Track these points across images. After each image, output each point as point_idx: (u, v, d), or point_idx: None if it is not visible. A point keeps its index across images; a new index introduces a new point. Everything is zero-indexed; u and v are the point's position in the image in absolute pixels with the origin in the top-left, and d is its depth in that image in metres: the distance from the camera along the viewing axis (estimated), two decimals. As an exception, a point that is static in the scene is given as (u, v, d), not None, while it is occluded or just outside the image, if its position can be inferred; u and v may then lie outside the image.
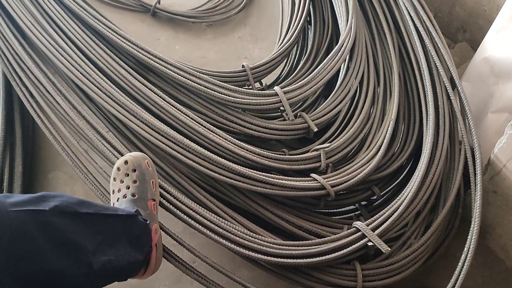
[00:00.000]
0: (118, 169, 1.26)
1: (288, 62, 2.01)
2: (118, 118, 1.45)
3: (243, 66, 1.73)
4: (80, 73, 1.51)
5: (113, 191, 1.27)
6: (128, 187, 1.24)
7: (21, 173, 1.73)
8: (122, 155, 1.38)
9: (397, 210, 1.33)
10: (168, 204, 1.30)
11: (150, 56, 1.59)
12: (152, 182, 1.27)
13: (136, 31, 2.20)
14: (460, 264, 1.28)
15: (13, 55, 1.62)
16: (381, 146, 1.49)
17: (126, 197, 1.24)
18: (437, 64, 1.60)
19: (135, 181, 1.24)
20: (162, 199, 1.31)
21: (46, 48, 1.57)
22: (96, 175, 1.46)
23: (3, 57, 1.64)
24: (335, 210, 1.54)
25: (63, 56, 1.55)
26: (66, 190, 1.81)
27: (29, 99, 1.56)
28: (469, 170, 1.46)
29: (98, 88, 1.49)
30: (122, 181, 1.25)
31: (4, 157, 1.71)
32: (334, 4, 1.85)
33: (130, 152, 1.41)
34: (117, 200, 1.25)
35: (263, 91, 1.56)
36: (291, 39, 1.83)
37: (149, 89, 1.50)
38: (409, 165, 1.62)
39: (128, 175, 1.25)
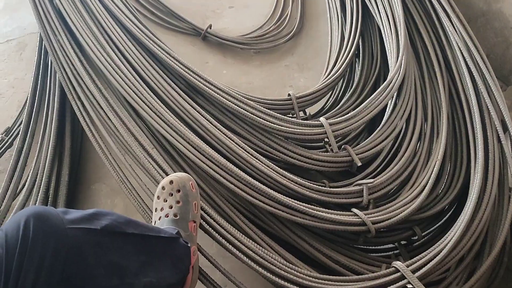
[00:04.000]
0: (163, 188, 1.29)
1: (333, 94, 2.02)
2: (165, 137, 1.49)
3: (289, 94, 1.75)
4: (132, 91, 1.57)
5: (156, 209, 1.29)
6: (171, 207, 1.26)
7: (67, 182, 1.79)
8: (166, 173, 1.41)
9: (440, 253, 1.29)
10: (208, 226, 1.31)
11: (199, 79, 1.63)
12: (195, 204, 1.29)
13: (186, 53, 2.27)
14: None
15: (72, 69, 1.70)
16: (425, 186, 1.46)
17: (168, 216, 1.25)
18: (488, 105, 1.57)
19: (178, 202, 1.26)
20: (202, 221, 1.33)
21: (103, 64, 1.64)
22: (139, 191, 1.49)
23: (62, 70, 1.72)
24: (373, 247, 1.51)
25: (117, 74, 1.61)
26: (107, 202, 1.85)
27: (82, 112, 1.63)
28: (516, 218, 1.41)
29: (148, 106, 1.54)
30: (165, 200, 1.27)
31: (52, 166, 1.78)
32: (384, 39, 1.85)
33: (174, 171, 1.44)
34: (159, 219, 1.27)
35: (308, 121, 1.56)
36: (339, 71, 1.84)
37: (197, 111, 1.54)
38: (453, 208, 1.57)
39: (172, 194, 1.27)
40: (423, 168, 1.55)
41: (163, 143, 1.53)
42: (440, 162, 1.52)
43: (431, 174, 1.48)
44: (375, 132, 1.61)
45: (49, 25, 1.81)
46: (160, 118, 1.50)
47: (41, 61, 2.05)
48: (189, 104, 1.56)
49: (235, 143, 1.47)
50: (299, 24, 2.42)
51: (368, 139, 1.60)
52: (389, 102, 1.69)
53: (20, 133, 1.89)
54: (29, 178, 1.76)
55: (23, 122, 1.92)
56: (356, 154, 1.52)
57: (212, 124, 1.51)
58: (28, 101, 1.98)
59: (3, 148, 1.99)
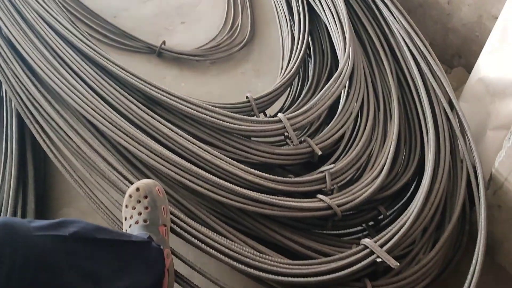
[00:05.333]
0: (130, 196, 1.30)
1: (291, 92, 2.08)
2: (128, 149, 1.50)
3: (247, 97, 1.79)
4: (91, 108, 1.57)
5: (125, 218, 1.30)
6: (140, 213, 1.27)
7: (34, 210, 1.77)
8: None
9: (403, 226, 1.35)
10: (179, 229, 1.33)
11: (157, 90, 1.66)
12: (163, 208, 1.30)
13: (143, 71, 2.26)
14: (467, 281, 1.28)
15: (27, 95, 1.69)
16: (384, 165, 1.52)
17: (138, 223, 1.26)
18: (434, 86, 1.67)
19: (146, 207, 1.28)
20: (172, 224, 1.34)
21: (58, 86, 1.64)
22: (109, 206, 1.49)
23: (17, 97, 1.71)
24: (343, 231, 1.56)
25: (74, 94, 1.61)
26: (78, 225, 1.84)
27: (42, 135, 1.62)
28: (472, 187, 1.49)
29: (108, 121, 1.54)
30: (134, 208, 1.29)
31: (17, 195, 1.75)
32: (331, 35, 1.94)
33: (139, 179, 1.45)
34: (129, 227, 1.28)
35: (267, 118, 1.61)
36: (293, 69, 1.91)
37: (156, 120, 1.56)
38: (413, 185, 1.64)
39: (139, 201, 1.29)
40: (380, 149, 1.61)
41: (126, 155, 1.53)
42: (395, 142, 1.59)
43: (388, 154, 1.55)
44: (331, 122, 1.67)
45: (-1, 54, 1.81)
46: (121, 131, 1.51)
47: (-5, 93, 2.03)
48: (148, 115, 1.58)
49: (198, 146, 1.50)
50: (251, 32, 2.49)
51: (326, 128, 1.66)
52: (342, 92, 1.76)
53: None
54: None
55: (-18, 156, 1.89)
56: (316, 144, 1.57)
57: (173, 131, 1.53)
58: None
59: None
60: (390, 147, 1.57)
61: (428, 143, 1.58)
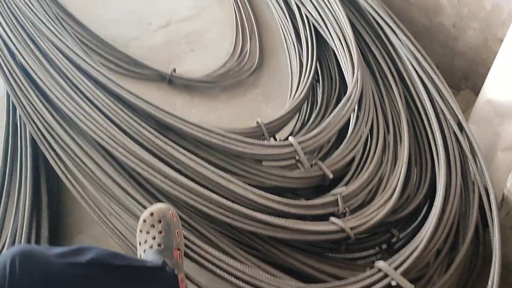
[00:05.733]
0: (144, 220, 1.31)
1: (300, 117, 2.10)
2: (142, 174, 1.52)
3: (257, 122, 1.82)
4: (105, 134, 1.61)
5: (140, 242, 1.31)
6: (154, 238, 1.29)
7: (47, 238, 1.78)
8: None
9: (417, 248, 1.35)
10: (193, 253, 1.33)
11: (169, 116, 1.69)
12: (177, 232, 1.32)
13: (154, 98, 2.29)
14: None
15: (42, 122, 1.73)
16: (395, 188, 1.53)
17: (152, 247, 1.28)
18: (443, 109, 1.69)
19: (160, 232, 1.29)
20: (186, 249, 1.35)
21: (73, 113, 1.68)
22: (123, 231, 1.50)
23: (32, 124, 1.75)
24: (357, 255, 1.55)
25: (89, 121, 1.65)
26: (91, 252, 1.84)
27: (58, 162, 1.65)
28: (484, 209, 1.49)
29: (122, 147, 1.57)
30: (148, 232, 1.30)
31: (31, 223, 1.77)
32: (339, 60, 1.97)
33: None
34: (144, 251, 1.29)
35: (278, 142, 1.63)
36: (302, 95, 1.94)
37: (170, 146, 1.59)
38: (425, 207, 1.65)
39: (153, 226, 1.30)
40: (391, 172, 1.63)
41: (140, 181, 1.56)
42: (406, 164, 1.60)
43: (399, 176, 1.56)
44: (342, 145, 1.69)
45: (15, 83, 1.85)
46: (135, 157, 1.54)
47: (10, 121, 2.07)
48: (161, 140, 1.61)
49: (210, 171, 1.52)
50: (260, 58, 2.53)
51: (336, 151, 1.67)
52: (352, 115, 1.78)
53: (-6, 193, 1.89)
54: (7, 239, 1.75)
55: (-4, 182, 1.92)
56: (328, 167, 1.59)
57: (185, 156, 1.55)
58: (0, 163, 1.99)
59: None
60: (401, 170, 1.59)
61: (438, 165, 1.59)
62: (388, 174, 1.62)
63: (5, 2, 2.20)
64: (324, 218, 1.49)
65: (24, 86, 1.85)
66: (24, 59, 1.90)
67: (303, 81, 2.05)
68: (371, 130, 1.74)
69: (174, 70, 2.43)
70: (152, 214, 1.31)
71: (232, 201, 1.45)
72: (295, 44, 2.28)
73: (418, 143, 1.75)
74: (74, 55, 1.89)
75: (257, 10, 2.79)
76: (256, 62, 2.50)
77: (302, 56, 2.19)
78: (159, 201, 1.53)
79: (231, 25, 2.70)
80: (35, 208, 1.83)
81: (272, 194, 1.65)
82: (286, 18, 2.37)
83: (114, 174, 1.55)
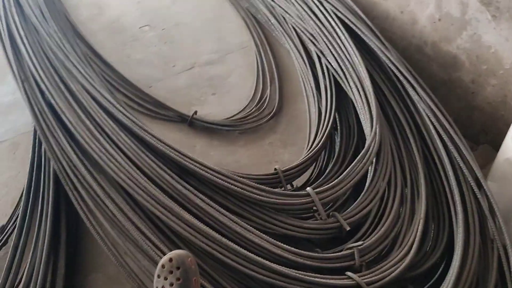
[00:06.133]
0: (163, 266, 1.32)
1: (317, 165, 2.12)
2: (161, 219, 1.55)
3: (275, 169, 1.85)
4: (127, 177, 1.65)
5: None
6: (171, 284, 1.29)
7: (63, 275, 1.80)
8: (164, 254, 1.45)
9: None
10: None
11: (190, 161, 1.72)
12: (194, 280, 1.32)
13: (175, 139, 2.39)
14: None
15: (67, 161, 1.78)
16: (413, 244, 1.53)
17: None
18: (460, 165, 1.69)
19: (178, 279, 1.30)
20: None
21: (97, 155, 1.73)
22: (139, 274, 1.51)
23: (58, 163, 1.80)
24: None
25: (112, 163, 1.70)
26: (105, 291, 1.86)
27: (79, 201, 1.69)
28: (503, 268, 1.47)
29: (142, 191, 1.61)
30: (166, 278, 1.31)
31: (48, 260, 1.79)
32: (358, 112, 2.01)
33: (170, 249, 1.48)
34: None
35: (296, 192, 1.65)
36: (319, 144, 1.96)
37: (189, 191, 1.61)
38: (443, 264, 1.63)
39: (172, 272, 1.31)
40: (408, 227, 1.62)
41: (159, 225, 1.58)
42: (424, 220, 1.60)
43: (417, 232, 1.56)
44: (359, 197, 1.70)
45: (43, 119, 1.92)
46: (155, 201, 1.57)
47: (35, 157, 2.13)
48: (181, 185, 1.64)
49: (229, 218, 1.53)
50: (279, 104, 2.58)
51: (354, 204, 1.68)
52: (370, 168, 1.80)
53: (15, 229, 1.93)
54: (25, 274, 1.77)
55: (18, 218, 1.96)
56: (345, 219, 1.59)
57: (205, 202, 1.58)
58: (23, 197, 2.03)
59: (-1, 246, 2.00)
60: (418, 225, 1.59)
61: (456, 222, 1.58)
62: (405, 229, 1.62)
63: (39, 42, 2.31)
64: (339, 271, 1.48)
65: (52, 124, 1.92)
66: (53, 98, 1.98)
67: (321, 130, 2.09)
68: (388, 183, 1.75)
69: (195, 112, 2.49)
70: (171, 260, 1.32)
71: (248, 250, 1.46)
72: (314, 93, 2.33)
73: (436, 198, 1.75)
74: (100, 97, 1.97)
75: (278, 56, 2.86)
76: (275, 107, 2.55)
77: (321, 105, 2.23)
78: (176, 245, 1.55)
79: (252, 70, 2.78)
80: (53, 245, 1.86)
81: (286, 241, 1.67)
82: (306, 67, 2.43)
83: (133, 216, 1.58)
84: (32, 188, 2.04)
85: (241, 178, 1.68)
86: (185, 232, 1.50)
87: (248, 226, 1.53)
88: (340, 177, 1.70)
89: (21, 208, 2.00)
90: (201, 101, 2.68)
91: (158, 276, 1.33)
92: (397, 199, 1.68)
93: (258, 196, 1.61)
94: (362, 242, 1.53)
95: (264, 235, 1.52)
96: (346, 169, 1.77)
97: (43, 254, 1.79)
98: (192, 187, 1.66)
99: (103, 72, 2.65)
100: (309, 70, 2.42)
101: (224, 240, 1.46)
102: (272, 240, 1.50)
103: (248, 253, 1.43)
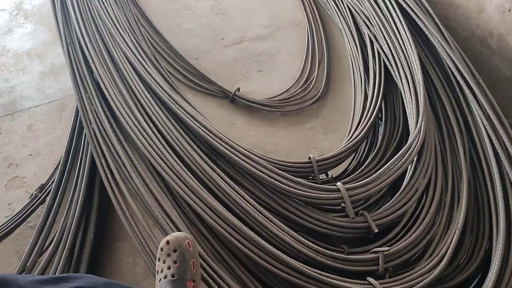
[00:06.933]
0: (161, 249, 1.30)
1: (357, 156, 2.02)
2: (185, 199, 1.53)
3: (309, 157, 1.77)
4: (157, 153, 1.64)
5: (157, 271, 1.30)
6: (169, 268, 1.26)
7: (92, 240, 1.84)
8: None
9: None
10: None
11: (221, 142, 1.68)
12: (193, 262, 1.28)
13: (215, 115, 2.35)
14: None
15: (100, 128, 1.80)
16: (445, 255, 1.42)
17: (166, 277, 1.25)
18: (510, 175, 1.54)
19: (175, 262, 1.26)
20: (212, 281, 1.33)
21: (130, 127, 1.73)
22: (155, 250, 1.50)
23: (90, 129, 1.81)
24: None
25: (143, 137, 1.69)
26: (129, 261, 1.88)
27: (105, 169, 1.70)
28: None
29: (170, 168, 1.60)
30: (164, 262, 1.28)
31: (79, 224, 1.84)
32: (405, 104, 1.87)
33: (192, 233, 1.46)
34: (159, 281, 1.27)
35: (325, 186, 1.57)
36: (361, 134, 1.86)
37: (216, 173, 1.58)
38: (475, 281, 1.51)
39: (169, 255, 1.28)
40: (442, 236, 1.51)
41: (182, 205, 1.57)
42: (460, 230, 1.48)
43: (451, 243, 1.44)
44: (393, 198, 1.59)
45: (82, 85, 1.94)
46: (181, 181, 1.55)
47: (77, 121, 2.17)
48: (209, 166, 1.60)
49: (251, 205, 1.49)
50: (325, 87, 2.47)
51: (386, 204, 1.58)
52: (409, 167, 1.68)
53: (51, 190, 1.99)
54: (56, 235, 1.83)
55: (55, 180, 2.02)
56: (374, 220, 1.51)
57: (230, 186, 1.54)
58: (61, 160, 2.09)
59: (36, 204, 2.08)
60: (454, 235, 1.47)
61: (497, 237, 1.45)
62: (438, 237, 1.51)
63: (88, 7, 2.32)
64: (361, 275, 1.41)
65: (90, 89, 1.94)
66: (94, 64, 1.99)
67: (365, 118, 1.97)
68: (427, 186, 1.63)
69: (238, 89, 2.44)
70: (168, 242, 1.30)
71: (268, 241, 1.41)
72: (363, 78, 2.20)
73: (478, 208, 1.61)
74: (140, 67, 1.95)
75: (330, 36, 2.74)
76: (320, 91, 2.45)
77: (368, 91, 2.11)
78: (195, 226, 1.53)
79: (302, 49, 2.68)
80: (85, 209, 1.90)
81: (314, 232, 1.60)
82: (357, 50, 2.30)
83: (157, 192, 1.57)
84: (71, 152, 2.09)
85: (271, 166, 1.61)
86: (206, 215, 1.47)
87: (271, 216, 1.48)
88: (375, 174, 1.60)
89: (58, 170, 2.05)
90: (245, 77, 2.61)
91: (158, 259, 1.30)
92: (434, 204, 1.56)
93: (285, 186, 1.55)
94: (389, 247, 1.43)
95: (286, 227, 1.46)
96: (385, 164, 1.66)
97: (74, 218, 1.83)
98: (220, 169, 1.63)
99: (152, 39, 2.65)
100: (360, 54, 2.29)
101: (244, 228, 1.42)
102: (294, 234, 1.44)
103: (266, 244, 1.39)
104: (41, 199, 2.08)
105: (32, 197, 2.10)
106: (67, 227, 1.83)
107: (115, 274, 1.88)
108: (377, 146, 1.94)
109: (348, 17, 2.45)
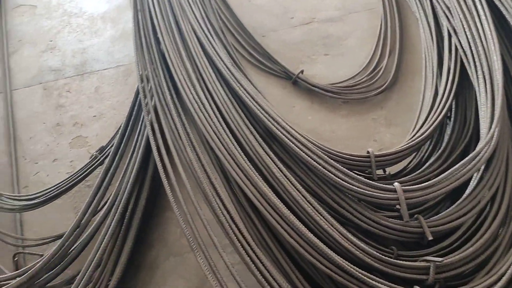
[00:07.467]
0: None
1: (419, 154, 1.92)
2: (235, 179, 1.52)
3: (368, 151, 1.70)
4: (213, 130, 1.63)
5: None
6: None
7: (143, 206, 1.89)
8: (230, 214, 1.43)
9: None
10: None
11: (278, 126, 1.64)
12: None
13: (275, 96, 2.32)
14: None
15: (160, 98, 1.81)
16: (504, 274, 1.32)
17: None
18: None
19: None
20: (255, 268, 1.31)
21: (190, 101, 1.73)
22: (199, 228, 1.51)
23: (148, 97, 1.82)
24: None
25: (202, 112, 1.69)
26: (177, 231, 1.92)
27: (158, 139, 1.71)
28: None
29: (224, 147, 1.58)
30: None
31: (133, 189, 1.89)
32: (479, 107, 1.74)
33: (238, 213, 1.45)
34: None
35: (381, 184, 1.50)
36: (426, 133, 1.76)
37: (270, 158, 1.55)
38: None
39: None
40: (504, 253, 1.40)
41: (233, 185, 1.56)
42: (525, 250, 1.37)
43: (512, 262, 1.34)
44: (454, 206, 1.50)
45: (148, 54, 1.96)
46: (234, 161, 1.54)
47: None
48: (264, 150, 1.58)
49: (302, 195, 1.45)
50: (393, 78, 2.35)
51: (445, 211, 1.49)
52: (475, 175, 1.57)
53: (110, 154, 2.05)
54: (111, 197, 1.90)
55: (114, 144, 2.08)
56: (429, 227, 1.42)
57: (282, 173, 1.51)
58: (122, 125, 2.14)
59: (95, 165, 2.16)
60: (516, 254, 1.36)
61: None
62: (499, 254, 1.40)
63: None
64: (408, 283, 1.34)
65: (154, 58, 1.95)
66: (161, 33, 2.00)
67: (432, 116, 1.86)
68: (493, 197, 1.51)
69: (302, 71, 2.38)
70: None
71: (314, 234, 1.37)
72: (435, 73, 2.07)
73: (548, 227, 1.48)
74: (206, 41, 1.94)
75: (404, 25, 2.59)
76: (388, 81, 2.33)
77: (439, 87, 1.98)
78: (244, 209, 1.52)
79: (374, 35, 2.55)
80: (140, 176, 1.95)
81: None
82: (433, 42, 2.16)
83: (210, 171, 1.57)
84: (132, 119, 2.14)
85: (326, 156, 1.56)
86: (255, 199, 1.45)
87: (321, 208, 1.44)
88: (437, 179, 1.50)
89: (118, 135, 2.11)
90: (311, 59, 2.54)
91: None
92: (499, 218, 1.45)
93: (340, 180, 1.49)
94: (443, 258, 1.35)
95: (336, 222, 1.41)
96: (448, 168, 1.56)
97: (129, 183, 1.89)
98: (274, 154, 1.60)
99: (221, 12, 2.63)
100: (435, 47, 2.14)
101: (292, 217, 1.39)
102: (343, 230, 1.39)
103: (313, 237, 1.35)
104: (100, 160, 2.16)
105: (92, 157, 2.19)
106: (121, 191, 1.89)
107: (161, 243, 1.93)
108: (442, 148, 1.83)
109: (428, 6, 2.30)
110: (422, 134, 1.75)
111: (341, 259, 1.31)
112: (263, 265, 1.33)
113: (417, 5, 2.38)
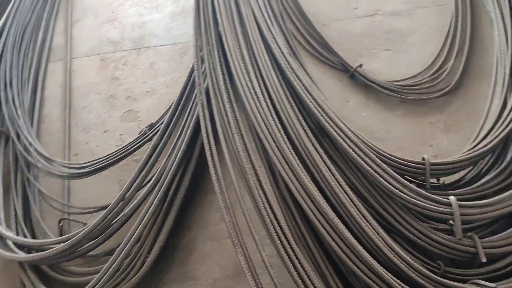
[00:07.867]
0: None
1: (477, 166, 1.80)
2: (280, 172, 1.47)
3: (423, 158, 1.61)
4: (262, 120, 1.59)
5: None
6: None
7: (186, 187, 1.89)
8: (271, 206, 1.40)
9: None
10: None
11: (330, 122, 1.58)
12: None
13: (330, 87, 2.24)
14: None
15: (214, 84, 1.79)
16: None
17: None
18: None
19: None
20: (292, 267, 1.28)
21: (242, 88, 1.69)
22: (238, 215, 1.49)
23: (200, 79, 1.80)
24: None
25: (253, 100, 1.65)
26: (217, 215, 1.91)
27: (207, 126, 1.68)
28: None
29: (272, 138, 1.54)
30: None
31: (178, 169, 1.89)
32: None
33: (280, 206, 1.41)
34: None
35: (436, 196, 1.41)
36: (489, 145, 1.64)
37: (319, 155, 1.50)
38: None
39: None
40: None
41: (277, 177, 1.52)
42: None
43: None
44: (512, 228, 1.39)
45: (205, 33, 1.93)
46: (281, 154, 1.50)
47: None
48: (313, 145, 1.52)
49: (349, 198, 1.39)
50: (458, 81, 2.21)
51: (503, 233, 1.39)
52: (541, 197, 1.45)
53: (159, 131, 2.06)
54: (156, 174, 1.91)
55: (164, 121, 2.08)
56: (484, 248, 1.33)
57: (331, 172, 1.45)
58: (173, 104, 2.14)
59: (144, 141, 2.17)
60: None
61: None
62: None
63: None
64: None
65: (211, 39, 1.92)
66: (221, 15, 1.96)
67: (498, 127, 1.74)
68: (559, 223, 1.40)
69: (361, 65, 2.28)
70: None
71: (359, 240, 1.31)
72: (506, 81, 1.93)
73: None
74: (265, 27, 1.89)
75: (477, 24, 2.42)
76: (452, 84, 2.19)
77: (508, 98, 1.84)
78: (286, 203, 1.47)
79: (441, 34, 2.40)
80: (186, 156, 1.95)
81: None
82: (508, 47, 2.01)
83: (256, 160, 1.53)
84: (184, 98, 2.13)
85: (378, 159, 1.49)
86: (299, 195, 1.41)
87: (368, 214, 1.37)
88: (498, 197, 1.40)
89: (169, 113, 2.11)
90: (371, 54, 2.43)
91: None
92: None
93: (391, 187, 1.42)
94: (495, 284, 1.26)
95: (382, 230, 1.35)
96: (509, 188, 1.45)
97: (175, 162, 1.89)
98: (324, 151, 1.54)
99: (283, -1, 2.56)
100: (510, 52, 1.99)
101: (336, 220, 1.33)
102: (389, 240, 1.33)
103: (356, 243, 1.29)
104: (149, 137, 2.18)
105: (142, 133, 2.20)
106: (166, 170, 1.90)
107: (201, 225, 1.93)
108: (505, 163, 1.70)
109: (506, 6, 2.14)
110: (485, 146, 1.63)
111: (383, 269, 1.25)
112: (300, 264, 1.29)
113: (493, 4, 2.22)
